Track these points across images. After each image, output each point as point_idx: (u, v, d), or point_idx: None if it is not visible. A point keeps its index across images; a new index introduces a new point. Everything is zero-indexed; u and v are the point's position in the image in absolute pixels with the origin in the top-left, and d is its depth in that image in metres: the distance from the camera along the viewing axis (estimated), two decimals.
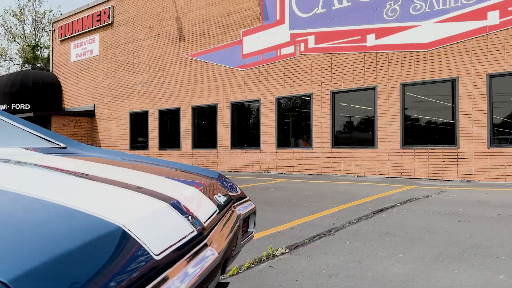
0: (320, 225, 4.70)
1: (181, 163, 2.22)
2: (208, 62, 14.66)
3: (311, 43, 12.23)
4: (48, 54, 32.18)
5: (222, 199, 1.72)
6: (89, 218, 0.91)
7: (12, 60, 40.55)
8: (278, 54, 12.93)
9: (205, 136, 15.01)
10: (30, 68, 21.80)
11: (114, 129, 18.14)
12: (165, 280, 0.91)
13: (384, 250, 3.61)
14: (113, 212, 0.97)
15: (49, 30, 22.71)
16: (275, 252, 3.56)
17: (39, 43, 38.77)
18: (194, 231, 1.22)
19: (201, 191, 1.60)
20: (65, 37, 20.38)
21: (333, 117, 11.84)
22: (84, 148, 2.20)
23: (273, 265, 3.27)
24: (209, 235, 1.33)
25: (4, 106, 18.93)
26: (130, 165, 1.87)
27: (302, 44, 12.42)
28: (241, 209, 1.88)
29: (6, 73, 20.14)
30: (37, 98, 19.37)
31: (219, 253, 1.26)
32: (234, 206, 1.85)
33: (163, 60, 16.13)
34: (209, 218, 1.42)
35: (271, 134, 13.09)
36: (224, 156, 14.23)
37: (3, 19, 39.18)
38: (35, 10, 39.20)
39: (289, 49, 12.69)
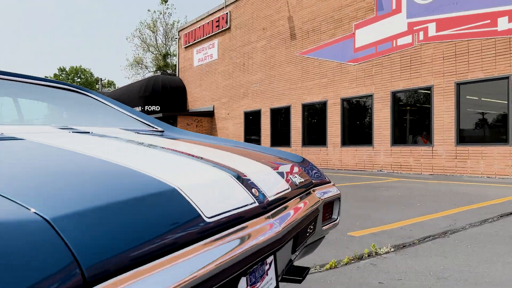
0: (434, 226, 4.27)
1: (264, 146, 2.20)
2: (318, 58, 14.51)
3: (432, 31, 11.24)
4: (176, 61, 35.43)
5: (298, 180, 1.69)
6: (147, 178, 0.98)
7: (147, 68, 45.44)
8: (394, 45, 12.17)
9: (314, 134, 14.90)
10: (160, 74, 24.21)
11: (231, 128, 19.12)
12: (215, 242, 0.93)
13: (508, 256, 3.11)
14: (173, 176, 1.03)
15: (176, 38, 24.96)
16: (379, 250, 3.33)
17: (169, 51, 42.85)
18: (254, 202, 1.20)
19: (273, 169, 1.57)
20: (189, 44, 22.16)
21: (457, 111, 10.70)
22: (179, 132, 2.33)
23: (374, 262, 3.06)
24: (274, 210, 1.31)
25: (139, 108, 21.36)
26: (211, 145, 1.93)
27: (421, 33, 11.49)
28: (323, 194, 1.82)
29: (147, 79, 22.70)
30: (166, 100, 21.44)
31: (282, 229, 1.23)
32: (313, 190, 1.79)
33: (275, 60, 16.47)
34: (276, 194, 1.39)
35: (385, 130, 12.39)
36: (334, 153, 13.92)
37: (139, 31, 44.16)
38: (166, 22, 43.36)
39: (406, 39, 11.85)
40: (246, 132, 18.21)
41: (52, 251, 0.59)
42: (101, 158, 1.15)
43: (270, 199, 1.31)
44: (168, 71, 39.87)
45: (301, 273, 1.85)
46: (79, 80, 59.17)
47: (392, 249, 3.38)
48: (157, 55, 43.19)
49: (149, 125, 2.27)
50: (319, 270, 2.99)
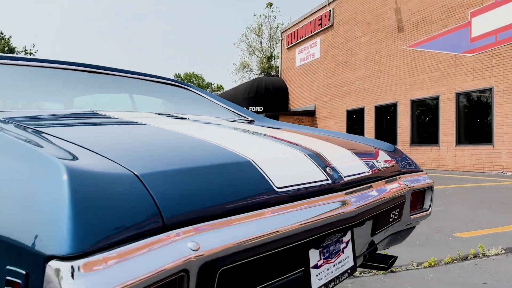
0: None
1: (355, 135, 2.14)
2: (429, 51, 13.47)
3: None
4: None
5: (381, 165, 1.66)
6: (225, 152, 1.12)
7: (252, 71, 47.04)
8: None
9: (424, 132, 13.85)
10: (263, 76, 24.88)
11: (332, 127, 18.79)
12: (281, 209, 1.00)
13: None
14: (249, 151, 1.14)
15: (279, 40, 25.41)
16: (487, 252, 2.98)
17: (273, 53, 43.81)
18: (327, 180, 1.23)
19: (354, 154, 1.58)
20: (291, 44, 22.38)
21: None
22: (268, 121, 2.42)
23: (480, 264, 2.74)
24: (348, 189, 1.31)
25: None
26: (295, 131, 2.00)
27: None
28: (411, 182, 1.74)
29: (251, 81, 23.63)
30: (268, 101, 21.96)
31: (356, 207, 1.23)
32: (400, 177, 1.73)
33: (380, 55, 15.75)
34: (353, 175, 1.39)
35: (507, 127, 10.99)
36: (448, 153, 12.78)
37: (245, 36, 45.94)
38: (270, 25, 44.40)
39: None
40: (348, 131, 17.74)
41: (145, 202, 0.75)
42: (190, 135, 1.32)
43: (345, 179, 1.33)
44: (272, 73, 40.80)
45: (387, 261, 1.78)
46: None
47: (503, 251, 2.98)
48: (262, 58, 44.46)
49: (241, 115, 2.39)
50: (416, 267, 2.78)
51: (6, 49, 38.47)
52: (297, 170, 1.18)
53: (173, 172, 0.87)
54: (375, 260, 1.77)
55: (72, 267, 0.60)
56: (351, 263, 1.33)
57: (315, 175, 1.20)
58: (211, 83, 44.06)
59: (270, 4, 41.59)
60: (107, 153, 0.87)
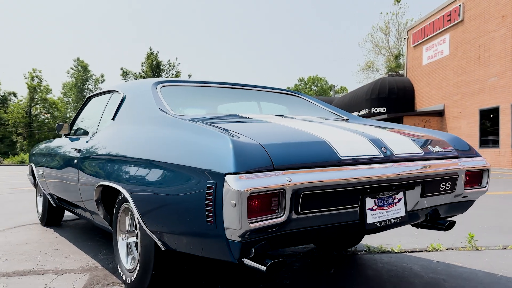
0: None
1: (422, 128, 2.80)
2: None
3: None
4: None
5: (436, 149, 2.32)
6: (309, 135, 1.99)
7: (378, 71, 45.81)
8: None
9: None
10: (387, 76, 24.49)
11: (463, 127, 17.78)
12: (343, 168, 1.84)
13: None
14: (327, 135, 2.01)
15: (404, 38, 24.73)
16: None
17: (401, 51, 42.09)
18: (380, 155, 2.03)
19: (410, 139, 2.30)
20: (418, 42, 21.68)
21: None
22: (360, 119, 3.19)
23: None
24: (397, 162, 2.06)
25: (365, 110, 22.29)
26: (372, 125, 2.71)
27: None
28: (466, 163, 2.34)
29: (373, 82, 23.53)
30: (392, 101, 21.63)
31: (398, 173, 2.00)
32: (455, 158, 2.33)
33: None
34: (404, 154, 2.13)
35: None
36: None
37: (371, 35, 45.02)
38: (398, 22, 42.77)
39: None
40: (481, 133, 16.62)
41: (262, 153, 1.66)
42: (293, 127, 2.22)
43: (395, 155, 2.09)
44: (400, 72, 39.25)
45: (445, 223, 2.41)
46: (315, 88, 64.67)
47: None
48: (389, 56, 43.07)
49: (338, 115, 3.22)
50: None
51: (154, 62, 44.60)
52: (357, 147, 2.00)
53: (279, 143, 1.79)
54: (437, 223, 2.44)
55: (236, 177, 1.52)
56: (402, 213, 2.09)
57: (371, 151, 2.01)
58: (334, 85, 44.34)
59: (398, 1, 40.13)
60: (246, 133, 1.82)
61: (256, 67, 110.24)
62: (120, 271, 2.48)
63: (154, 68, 44.95)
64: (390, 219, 2.01)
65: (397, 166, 2.02)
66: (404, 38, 24.93)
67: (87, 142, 3.07)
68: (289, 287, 2.47)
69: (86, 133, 3.43)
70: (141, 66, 45.67)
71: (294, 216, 1.65)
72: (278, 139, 1.83)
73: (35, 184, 4.82)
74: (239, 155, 1.59)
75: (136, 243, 2.41)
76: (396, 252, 3.21)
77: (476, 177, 2.41)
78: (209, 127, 1.94)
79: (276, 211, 1.59)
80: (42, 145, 4.57)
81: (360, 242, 3.50)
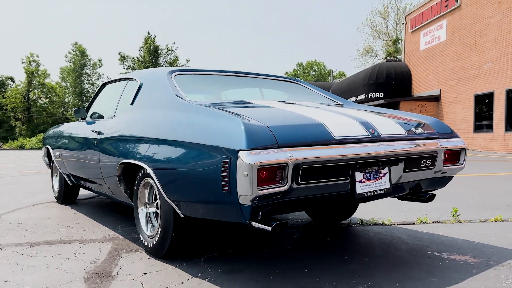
0: None
1: (407, 112, 3.14)
2: None
3: None
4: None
5: (418, 131, 2.67)
6: (307, 118, 2.32)
7: (376, 56, 45.82)
8: None
9: None
10: (384, 61, 24.68)
11: (458, 112, 18.11)
12: (335, 147, 2.18)
13: None
14: (322, 118, 2.35)
15: (402, 23, 24.84)
16: None
17: (399, 36, 42.08)
18: (368, 135, 2.37)
19: (394, 121, 2.64)
20: (416, 28, 21.85)
21: None
22: (352, 105, 3.51)
23: None
24: (383, 142, 2.40)
25: (363, 96, 22.57)
26: (364, 110, 3.05)
27: None
28: (444, 143, 2.69)
29: (371, 67, 23.72)
30: (389, 87, 21.90)
31: (384, 151, 2.35)
32: (435, 139, 2.68)
33: None
34: (389, 134, 2.47)
35: None
36: None
37: (370, 20, 45.02)
38: (397, 6, 42.74)
39: None
40: (476, 117, 16.97)
41: (268, 133, 2.01)
42: (293, 111, 2.55)
43: (382, 135, 2.42)
44: (399, 57, 39.31)
45: (426, 196, 2.76)
46: (313, 73, 64.66)
47: None
48: (388, 41, 43.08)
49: (334, 101, 3.54)
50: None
51: (152, 47, 44.50)
52: (349, 129, 2.34)
53: (282, 125, 2.13)
54: (419, 196, 2.79)
55: (248, 152, 1.86)
56: (387, 186, 2.43)
57: (360, 132, 2.36)
58: (332, 70, 44.48)
59: None
60: (254, 117, 2.14)
61: (253, 51, 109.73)
62: (141, 238, 2.82)
63: (152, 52, 44.85)
64: (376, 190, 2.37)
65: (383, 145, 2.36)
66: (403, 23, 25.04)
67: (106, 125, 3.38)
68: (291, 251, 2.81)
69: (102, 117, 3.69)
70: (139, 50, 45.55)
71: (295, 186, 1.99)
72: (281, 122, 2.19)
73: (50, 166, 5.12)
74: (250, 135, 1.93)
75: (155, 213, 2.77)
76: (386, 225, 3.56)
77: (454, 156, 2.77)
78: (223, 112, 2.26)
79: (280, 181, 1.94)
80: (57, 129, 4.86)
81: (353, 216, 3.84)
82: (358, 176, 2.29)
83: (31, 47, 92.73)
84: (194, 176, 2.17)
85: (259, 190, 1.85)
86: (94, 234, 3.36)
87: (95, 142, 3.43)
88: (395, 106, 20.70)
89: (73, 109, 4.21)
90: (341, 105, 3.38)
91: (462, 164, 2.80)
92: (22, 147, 29.40)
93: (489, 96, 16.11)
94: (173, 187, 2.37)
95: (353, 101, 23.78)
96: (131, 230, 3.42)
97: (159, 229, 2.61)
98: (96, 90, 4.33)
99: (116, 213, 4.20)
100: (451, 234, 3.23)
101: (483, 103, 16.59)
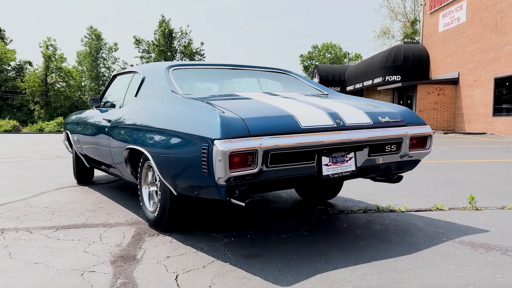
0: None
1: (380, 101, 3.40)
2: None
3: None
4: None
5: (385, 119, 2.90)
6: (280, 110, 2.62)
7: (393, 37, 44.91)
8: None
9: None
10: (402, 43, 24.21)
11: (477, 96, 17.76)
12: (301, 135, 2.45)
13: None
14: (292, 110, 2.65)
15: (421, 4, 24.22)
16: None
17: (417, 17, 41.07)
18: (334, 124, 2.62)
19: (363, 112, 2.88)
20: (435, 9, 21.32)
21: None
22: (338, 95, 3.73)
23: None
24: (348, 130, 2.65)
25: (380, 79, 22.27)
26: (338, 100, 3.29)
27: None
28: (410, 130, 2.93)
29: (388, 49, 23.29)
30: (406, 69, 21.55)
31: (346, 139, 2.61)
32: (402, 126, 2.92)
33: None
34: (355, 123, 2.73)
35: None
36: None
37: (387, 0, 43.96)
38: None
39: None
40: (495, 101, 16.62)
41: (241, 124, 2.34)
42: (269, 103, 2.81)
43: (347, 124, 2.68)
44: (416, 38, 38.46)
45: (393, 177, 2.98)
46: (329, 55, 63.85)
47: None
48: (405, 22, 42.14)
49: (320, 91, 3.80)
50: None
51: (166, 30, 44.46)
52: (316, 119, 2.60)
53: (255, 117, 2.42)
54: (389, 177, 3.00)
55: (222, 141, 2.19)
56: (353, 168, 2.71)
57: (327, 122, 2.62)
58: (348, 52, 43.77)
59: None
60: (232, 109, 2.47)
61: (268, 33, 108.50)
62: (145, 213, 3.24)
63: (166, 36, 44.87)
64: (342, 172, 2.66)
65: (347, 133, 2.64)
66: (421, 4, 24.43)
67: (115, 113, 3.76)
68: (308, 237, 2.88)
69: (113, 105, 4.07)
70: (154, 34, 45.59)
71: (265, 168, 2.33)
72: (255, 114, 2.51)
73: (71, 149, 5.36)
74: (224, 126, 2.27)
75: (156, 192, 3.10)
76: (402, 211, 3.60)
77: (420, 141, 3.02)
78: (206, 105, 2.61)
79: (251, 165, 2.28)
80: (75, 116, 5.23)
81: (369, 202, 3.89)
82: (325, 160, 2.59)
83: (48, 31, 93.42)
84: (182, 160, 2.55)
85: (231, 172, 2.20)
86: (117, 218, 3.49)
87: (106, 129, 3.80)
88: (412, 89, 20.40)
89: (88, 98, 4.60)
90: (326, 95, 3.65)
91: (428, 149, 3.06)
92: (41, 131, 29.99)
93: (510, 79, 15.73)
94: (167, 170, 2.74)
95: (370, 85, 23.56)
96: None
97: (159, 205, 2.99)
98: (108, 81, 4.68)
99: (137, 197, 4.33)
100: (467, 221, 3.25)
101: (503, 86, 16.22)
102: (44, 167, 7.25)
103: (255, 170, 2.28)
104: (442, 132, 18.93)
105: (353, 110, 2.88)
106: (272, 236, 2.90)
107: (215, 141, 2.20)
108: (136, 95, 3.55)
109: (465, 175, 5.73)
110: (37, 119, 43.07)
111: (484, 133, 17.01)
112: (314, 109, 2.74)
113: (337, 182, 2.68)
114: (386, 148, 2.84)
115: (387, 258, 2.43)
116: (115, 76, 4.56)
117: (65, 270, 2.29)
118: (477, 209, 3.64)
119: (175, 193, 2.77)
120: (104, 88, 4.71)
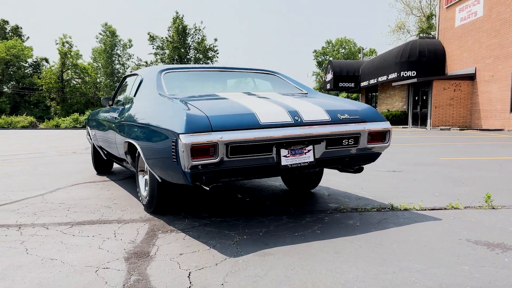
0: None
1: (345, 99, 3.68)
2: None
3: None
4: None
5: (344, 116, 3.19)
6: (244, 108, 3.00)
7: (409, 32, 44.27)
8: None
9: None
10: (417, 38, 23.84)
11: (494, 92, 17.42)
12: (260, 130, 2.82)
13: None
14: (255, 108, 3.01)
15: None
16: None
17: (433, 11, 40.41)
18: (292, 121, 2.91)
19: (323, 110, 3.17)
20: (451, 3, 20.92)
21: None
22: (316, 94, 3.98)
23: None
24: (305, 126, 2.95)
25: (394, 74, 22.00)
26: (307, 99, 3.56)
27: None
28: (369, 125, 3.23)
29: (403, 44, 22.94)
30: (422, 65, 21.22)
31: (304, 133, 2.90)
32: (361, 123, 3.21)
33: None
34: (312, 120, 3.03)
35: None
36: None
37: None
38: None
39: None
40: None
41: (205, 120, 2.73)
42: (238, 102, 3.14)
43: (304, 120, 2.97)
44: (432, 33, 37.83)
45: (354, 168, 3.37)
46: (343, 50, 63.27)
47: None
48: (421, 17, 41.50)
49: (301, 90, 4.09)
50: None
51: (180, 27, 44.60)
52: (276, 117, 2.93)
53: (219, 114, 2.80)
54: (353, 168, 3.37)
55: (185, 135, 2.59)
56: (311, 159, 3.03)
57: (285, 119, 2.95)
58: (362, 47, 43.26)
59: None
60: (201, 108, 2.87)
61: (281, 29, 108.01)
62: (140, 197, 3.72)
63: (180, 32, 45.02)
64: (300, 163, 2.99)
65: (304, 128, 2.96)
66: None
67: (119, 111, 4.24)
68: (320, 235, 2.87)
69: (121, 104, 4.47)
70: (168, 30, 45.79)
71: (226, 158, 2.69)
72: (221, 112, 2.87)
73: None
74: (188, 122, 2.65)
75: (146, 179, 3.58)
76: (417, 210, 3.55)
77: (379, 136, 3.31)
78: (181, 104, 2.97)
79: (213, 155, 2.65)
80: (93, 113, 5.76)
81: (382, 201, 3.86)
82: (283, 152, 2.93)
83: (64, 28, 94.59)
84: (160, 151, 2.93)
85: (193, 162, 2.59)
86: (131, 214, 3.53)
87: (113, 125, 4.28)
88: (427, 85, 20.11)
89: (102, 98, 5.04)
90: (305, 94, 3.96)
91: (387, 143, 3.36)
92: (57, 127, 30.45)
93: None
94: (151, 160, 3.14)
95: (384, 80, 23.29)
96: (167, 211, 3.56)
97: (149, 191, 3.44)
98: (119, 82, 5.12)
99: None
100: (483, 220, 3.20)
101: None
102: (60, 163, 7.36)
103: (216, 160, 2.65)
104: (458, 128, 18.64)
105: (315, 108, 3.19)
106: (284, 234, 2.89)
107: (180, 135, 2.59)
108: (135, 95, 4.01)
109: (482, 173, 5.63)
110: (53, 115, 43.76)
111: (501, 130, 16.69)
112: (276, 108, 3.07)
113: (298, 172, 3.02)
114: (344, 142, 3.13)
115: (400, 257, 2.41)
116: (125, 78, 5.01)
117: (80, 267, 2.33)
118: (493, 208, 3.58)
119: (160, 180, 3.18)
120: (117, 87, 4.95)
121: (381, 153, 3.44)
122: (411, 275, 2.16)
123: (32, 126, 31.11)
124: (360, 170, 3.37)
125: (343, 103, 3.51)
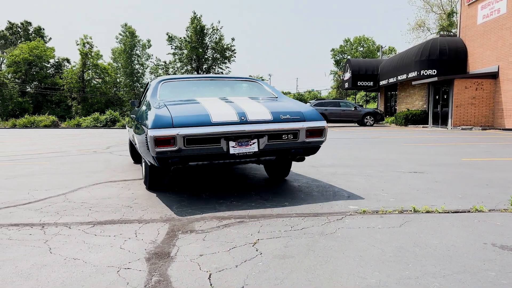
0: None
1: (295, 100, 4.45)
2: None
3: None
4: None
5: (286, 116, 3.90)
6: (203, 110, 3.95)
7: (429, 30, 43.51)
8: None
9: None
10: (438, 36, 23.39)
11: None
12: (212, 127, 3.74)
13: None
14: (211, 110, 3.92)
15: None
16: None
17: (454, 9, 39.61)
18: (238, 120, 3.83)
19: (266, 109, 3.95)
20: (473, 1, 20.46)
21: None
22: (283, 98, 4.62)
23: None
24: (250, 124, 3.81)
25: (414, 73, 21.65)
26: (263, 102, 4.30)
27: None
28: (307, 124, 4.00)
29: (424, 43, 22.55)
30: (442, 63, 20.82)
31: (247, 129, 3.80)
32: (301, 121, 3.98)
33: None
34: (256, 118, 3.86)
35: None
36: None
37: None
38: None
39: None
40: None
41: (169, 119, 3.72)
42: (202, 105, 4.06)
43: (249, 120, 3.84)
44: (453, 31, 37.08)
45: (296, 158, 4.21)
46: (361, 49, 62.56)
47: None
48: (441, 14, 40.71)
49: (273, 95, 4.74)
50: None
51: (198, 27, 44.84)
52: (225, 116, 3.82)
53: (182, 115, 3.76)
54: (296, 158, 4.17)
55: (151, 129, 3.62)
56: (255, 150, 3.86)
57: (232, 118, 3.82)
58: (381, 46, 42.65)
59: None
60: (171, 110, 3.86)
61: (300, 27, 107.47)
62: (143, 177, 4.80)
63: (198, 32, 45.27)
64: (246, 152, 3.83)
65: (246, 126, 3.78)
66: None
67: (135, 113, 5.25)
68: (341, 238, 2.83)
69: (138, 106, 5.68)
70: (186, 30, 46.14)
71: (183, 147, 3.63)
72: (183, 113, 3.79)
73: None
74: (155, 120, 3.65)
75: None
76: (439, 212, 3.48)
77: (316, 132, 4.06)
78: (159, 107, 3.95)
79: (173, 145, 3.59)
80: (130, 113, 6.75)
81: (404, 203, 3.79)
82: (231, 143, 3.79)
83: (84, 28, 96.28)
84: (143, 141, 3.87)
85: (156, 149, 3.57)
86: (151, 214, 3.56)
87: (132, 122, 5.41)
88: (448, 83, 19.72)
89: (130, 101, 6.05)
90: (275, 98, 4.70)
91: (323, 138, 4.12)
92: (78, 126, 31.00)
93: None
94: (139, 147, 4.19)
95: (404, 79, 22.93)
96: (185, 212, 3.59)
97: (144, 171, 4.64)
98: (145, 86, 5.91)
99: (171, 193, 4.40)
100: (509, 224, 3.11)
101: None
102: (81, 163, 7.49)
103: (175, 148, 3.60)
104: (480, 128, 18.22)
105: (261, 109, 3.98)
106: (304, 236, 2.87)
107: (148, 130, 3.59)
108: (143, 99, 5.07)
109: (506, 174, 5.49)
110: (74, 115, 44.58)
111: None
112: (229, 109, 3.91)
113: (245, 159, 3.85)
114: (283, 136, 3.91)
115: (423, 262, 2.36)
116: (148, 84, 5.64)
117: (102, 267, 2.35)
118: None
119: (148, 164, 4.22)
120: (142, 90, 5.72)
121: (320, 146, 4.16)
122: (435, 280, 2.11)
123: (54, 125, 31.76)
124: (301, 160, 4.21)
125: (291, 105, 4.26)
